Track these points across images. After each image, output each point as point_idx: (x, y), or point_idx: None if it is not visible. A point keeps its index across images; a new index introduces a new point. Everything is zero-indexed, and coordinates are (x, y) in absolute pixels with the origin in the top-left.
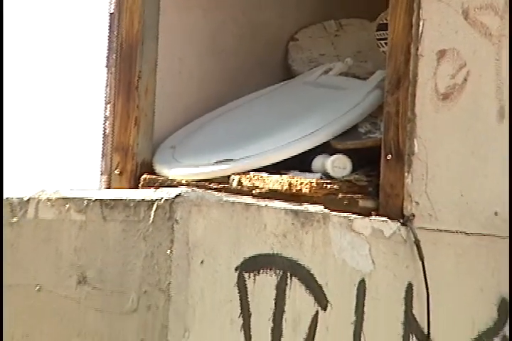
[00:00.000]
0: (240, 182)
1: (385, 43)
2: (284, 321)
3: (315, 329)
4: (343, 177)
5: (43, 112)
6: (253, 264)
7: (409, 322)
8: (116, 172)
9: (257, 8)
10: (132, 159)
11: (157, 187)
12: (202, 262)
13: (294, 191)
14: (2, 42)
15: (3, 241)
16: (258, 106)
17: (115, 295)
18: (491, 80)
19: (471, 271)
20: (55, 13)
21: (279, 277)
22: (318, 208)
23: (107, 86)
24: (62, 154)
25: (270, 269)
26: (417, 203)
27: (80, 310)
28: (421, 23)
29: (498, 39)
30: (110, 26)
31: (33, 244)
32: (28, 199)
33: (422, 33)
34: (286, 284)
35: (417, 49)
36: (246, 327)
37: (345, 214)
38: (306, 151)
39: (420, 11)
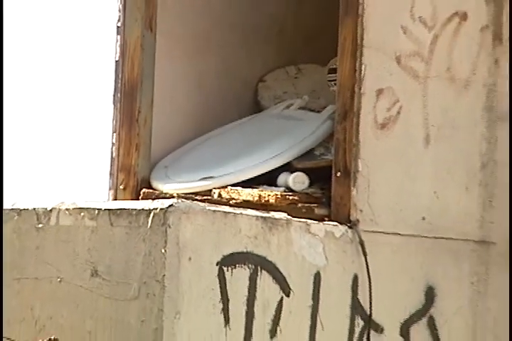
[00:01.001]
0: (219, 195)
1: (335, 83)
2: (255, 305)
3: (280, 312)
4: (302, 190)
5: (62, 138)
6: (230, 260)
7: (355, 306)
8: (121, 187)
9: (232, 56)
10: (134, 177)
11: (154, 199)
12: (190, 259)
13: (263, 201)
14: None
15: (28, 246)
16: (234, 134)
17: (120, 285)
18: (419, 113)
19: (403, 264)
20: (69, 55)
21: (252, 270)
22: (282, 215)
23: (113, 119)
24: (78, 173)
25: (244, 264)
26: (361, 211)
27: (93, 298)
28: (363, 68)
29: (424, 80)
30: (116, 70)
31: (55, 245)
32: (51, 209)
33: (363, 75)
34: (257, 276)
35: (360, 88)
36: (225, 311)
37: (304, 220)
38: (272, 170)
39: (362, 58)
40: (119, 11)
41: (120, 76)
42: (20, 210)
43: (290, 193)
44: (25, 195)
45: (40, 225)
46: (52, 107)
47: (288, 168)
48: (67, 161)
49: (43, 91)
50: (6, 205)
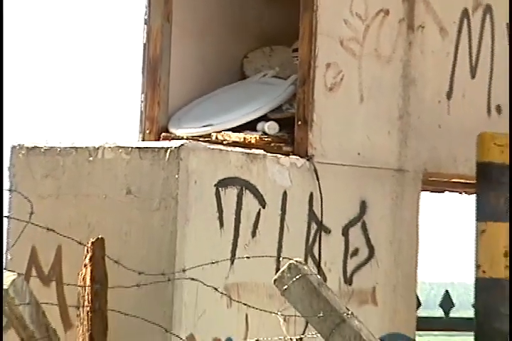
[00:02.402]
0: (216, 137)
1: (297, 59)
2: (241, 214)
3: (258, 219)
4: (274, 134)
5: (110, 97)
6: (224, 183)
7: (311, 215)
8: (147, 132)
9: (225, 40)
10: (156, 124)
11: (170, 140)
12: (195, 182)
13: (247, 142)
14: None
15: (83, 173)
16: (226, 94)
17: (147, 200)
18: (355, 79)
19: (344, 185)
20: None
21: (238, 190)
22: (260, 151)
23: (142, 84)
24: (118, 121)
25: (233, 185)
26: (315, 148)
27: (127, 209)
28: (316, 48)
29: (359, 57)
30: (143, 50)
31: (101, 172)
32: (98, 147)
33: (317, 53)
34: (243, 194)
35: (314, 62)
36: (220, 218)
37: (275, 155)
38: (253, 119)
39: (316, 42)
40: (146, 7)
41: (146, 54)
42: (77, 148)
43: (265, 136)
44: (80, 136)
45: (91, 158)
46: (101, 75)
47: (264, 118)
48: (111, 113)
49: (98, 63)
50: (66, 144)
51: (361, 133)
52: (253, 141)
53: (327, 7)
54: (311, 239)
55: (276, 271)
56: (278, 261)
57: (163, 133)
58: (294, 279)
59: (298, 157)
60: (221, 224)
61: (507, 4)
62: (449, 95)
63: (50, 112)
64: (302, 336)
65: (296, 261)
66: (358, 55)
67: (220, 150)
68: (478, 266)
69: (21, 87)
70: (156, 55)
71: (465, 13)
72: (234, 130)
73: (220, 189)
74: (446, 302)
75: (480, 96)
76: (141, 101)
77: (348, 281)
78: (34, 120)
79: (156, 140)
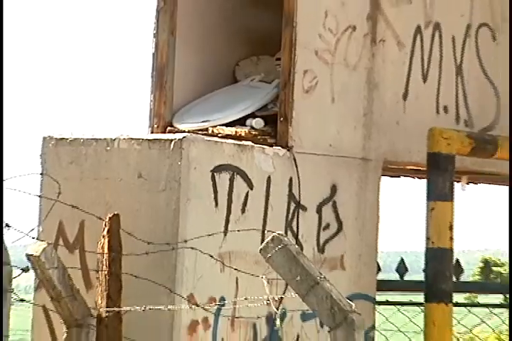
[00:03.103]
0: (212, 131)
1: (279, 67)
2: (233, 195)
3: (247, 199)
4: (260, 128)
5: (123, 98)
6: (218, 168)
7: (290, 196)
8: (155, 126)
9: (221, 50)
10: (163, 120)
11: (174, 133)
12: (195, 168)
13: (238, 135)
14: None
15: (101, 160)
16: (221, 96)
17: (154, 183)
18: (327, 84)
19: (318, 171)
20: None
21: (230, 174)
22: (249, 143)
23: (151, 86)
24: (130, 117)
25: (226, 171)
26: (294, 140)
27: (139, 190)
28: (295, 58)
29: (331, 65)
30: (152, 59)
31: (117, 159)
32: (115, 138)
33: (296, 62)
34: (234, 178)
35: (294, 69)
36: (215, 198)
37: (261, 146)
38: (243, 116)
39: (295, 52)
40: (154, 23)
41: (155, 62)
42: (97, 139)
43: (253, 130)
44: (99, 129)
45: (108, 148)
46: (119, 79)
47: (252, 115)
48: (125, 110)
49: (118, 70)
50: (87, 136)
51: (332, 128)
52: (243, 134)
53: (304, 23)
54: (290, 216)
55: (262, 242)
56: (263, 234)
57: (169, 128)
58: (276, 249)
59: (280, 148)
60: (216, 203)
61: (452, 21)
62: (405, 97)
63: (75, 109)
64: (283, 296)
65: (278, 233)
66: (329, 63)
67: (216, 141)
68: (428, 238)
69: (53, 87)
70: (163, 62)
71: (418, 29)
72: (227, 125)
73: (215, 174)
74: (401, 268)
75: (430, 98)
76: (150, 101)
77: (321, 250)
78: (62, 115)
79: (162, 133)
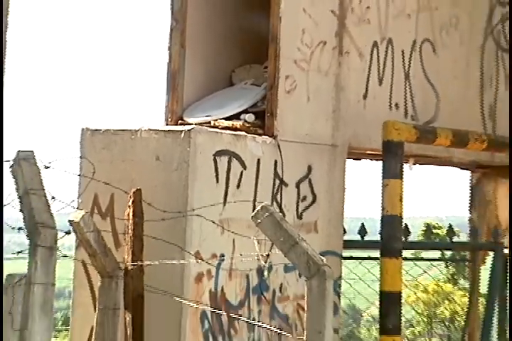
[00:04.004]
0: (214, 124)
1: (266, 73)
2: (230, 173)
3: (241, 176)
4: (252, 121)
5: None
6: (219, 153)
7: (275, 174)
8: (169, 120)
9: (220, 59)
10: (175, 115)
11: (184, 125)
12: (200, 152)
13: (234, 127)
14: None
15: (127, 146)
16: (221, 95)
17: (168, 164)
18: (304, 86)
19: (297, 156)
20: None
21: (228, 158)
22: (243, 133)
23: (166, 88)
24: (149, 113)
25: (225, 155)
26: (278, 131)
27: (157, 170)
28: (279, 66)
29: (307, 71)
30: (167, 66)
31: (139, 146)
32: (138, 129)
33: (279, 69)
34: (231, 160)
35: (278, 75)
36: (217, 176)
37: (252, 135)
38: (238, 112)
39: (279, 62)
40: (168, 38)
41: (169, 69)
42: (124, 130)
43: (246, 123)
44: (125, 122)
45: (133, 137)
46: (142, 84)
47: (245, 111)
48: (146, 107)
49: (140, 75)
50: (116, 127)
51: (308, 121)
52: (238, 126)
53: (286, 39)
54: (275, 190)
55: (253, 211)
56: (254, 204)
57: (180, 121)
58: (264, 216)
59: (267, 137)
60: (217, 180)
61: (402, 38)
62: (364, 97)
63: (107, 105)
64: (269, 253)
65: (266, 204)
66: (306, 70)
67: (216, 132)
68: (383, 208)
69: (88, 88)
70: (175, 69)
71: (375, 44)
72: (225, 119)
73: (216, 157)
74: (362, 231)
75: (384, 98)
76: (166, 100)
77: (299, 217)
78: (96, 110)
79: (175, 125)
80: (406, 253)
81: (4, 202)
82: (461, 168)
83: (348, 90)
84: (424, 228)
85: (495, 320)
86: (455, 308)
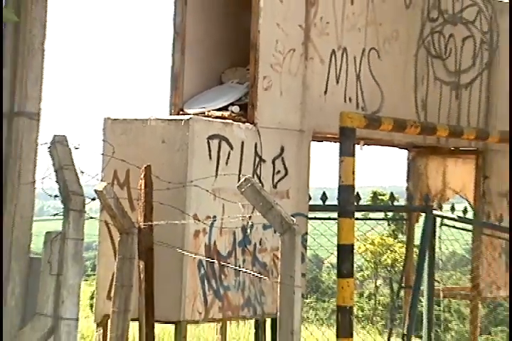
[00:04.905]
0: (207, 114)
1: (249, 74)
2: (220, 152)
3: (229, 156)
4: (237, 112)
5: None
6: (211, 137)
7: (255, 153)
8: (173, 111)
9: (213, 62)
10: (177, 107)
11: (184, 115)
12: (197, 136)
13: (223, 116)
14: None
15: (139, 133)
16: (212, 92)
17: (171, 145)
18: (278, 84)
19: (273, 138)
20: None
21: (219, 140)
22: (230, 121)
23: (170, 87)
24: (156, 107)
25: (216, 138)
26: (258, 119)
27: (163, 151)
28: (258, 69)
29: (280, 73)
30: (171, 68)
31: (149, 132)
32: (147, 119)
33: (258, 71)
34: (221, 143)
35: (257, 75)
36: (209, 155)
37: (238, 123)
38: (226, 104)
39: (258, 65)
40: (172, 46)
41: (172, 71)
42: (137, 119)
43: (233, 113)
44: (138, 113)
45: (144, 124)
46: (150, 81)
47: (232, 104)
48: (156, 100)
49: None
50: (131, 117)
51: (281, 112)
52: (226, 116)
53: (263, 47)
54: (255, 166)
55: (238, 182)
56: (239, 177)
57: (181, 112)
58: (247, 186)
59: (249, 124)
60: (210, 158)
61: (354, 47)
62: (325, 93)
63: (124, 99)
64: (251, 214)
65: (248, 176)
66: (279, 72)
67: (209, 120)
68: (340, 179)
69: (108, 82)
70: (177, 72)
71: (333, 52)
72: (217, 110)
73: (209, 140)
74: (323, 197)
75: (340, 94)
76: (170, 96)
77: (274, 187)
78: (115, 102)
79: (177, 115)
80: (357, 214)
81: (43, 175)
82: (400, 148)
83: (312, 88)
84: (371, 195)
85: (426, 265)
86: (395, 257)
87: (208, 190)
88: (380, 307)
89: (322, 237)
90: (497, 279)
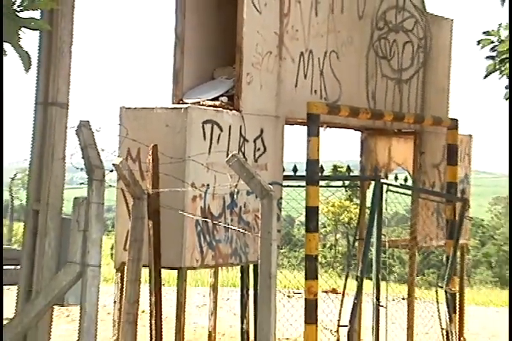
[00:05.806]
0: (202, 103)
1: (235, 71)
2: (212, 135)
3: (219, 137)
4: (226, 102)
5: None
6: (206, 122)
7: (240, 134)
8: (175, 101)
9: (208, 63)
10: (178, 98)
11: (183, 104)
12: (194, 121)
13: (215, 105)
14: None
15: (152, 119)
16: (206, 86)
17: (174, 129)
18: (258, 79)
19: (254, 122)
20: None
21: (211, 125)
22: (220, 109)
23: (172, 80)
24: (159, 97)
25: (209, 123)
26: (242, 108)
27: (167, 133)
28: (243, 67)
29: (259, 70)
30: (173, 66)
31: (156, 118)
32: (154, 108)
33: (242, 69)
34: (213, 126)
35: (242, 73)
36: (204, 137)
37: (227, 110)
38: (217, 96)
39: (242, 64)
40: (174, 48)
41: (174, 68)
42: (146, 108)
43: (223, 103)
44: (146, 103)
45: (151, 112)
46: (157, 77)
47: (222, 95)
48: (161, 93)
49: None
50: (141, 106)
51: (260, 101)
52: (217, 105)
53: (246, 50)
54: (240, 144)
55: (227, 157)
56: (227, 153)
57: (181, 101)
58: (234, 160)
59: (235, 111)
60: (204, 138)
61: (318, 49)
62: (295, 86)
63: (135, 90)
64: (237, 183)
65: (235, 153)
66: (259, 69)
67: (204, 108)
68: (307, 154)
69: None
70: (178, 69)
71: (302, 53)
72: (210, 100)
73: (204, 124)
74: (295, 169)
75: (308, 87)
76: (172, 88)
77: (256, 161)
78: (129, 93)
79: (178, 104)
80: (321, 183)
81: (72, 152)
82: (355, 130)
83: (285, 82)
84: (332, 167)
85: (375, 222)
86: (351, 216)
87: (202, 164)
88: (339, 256)
89: (294, 201)
90: (430, 232)
